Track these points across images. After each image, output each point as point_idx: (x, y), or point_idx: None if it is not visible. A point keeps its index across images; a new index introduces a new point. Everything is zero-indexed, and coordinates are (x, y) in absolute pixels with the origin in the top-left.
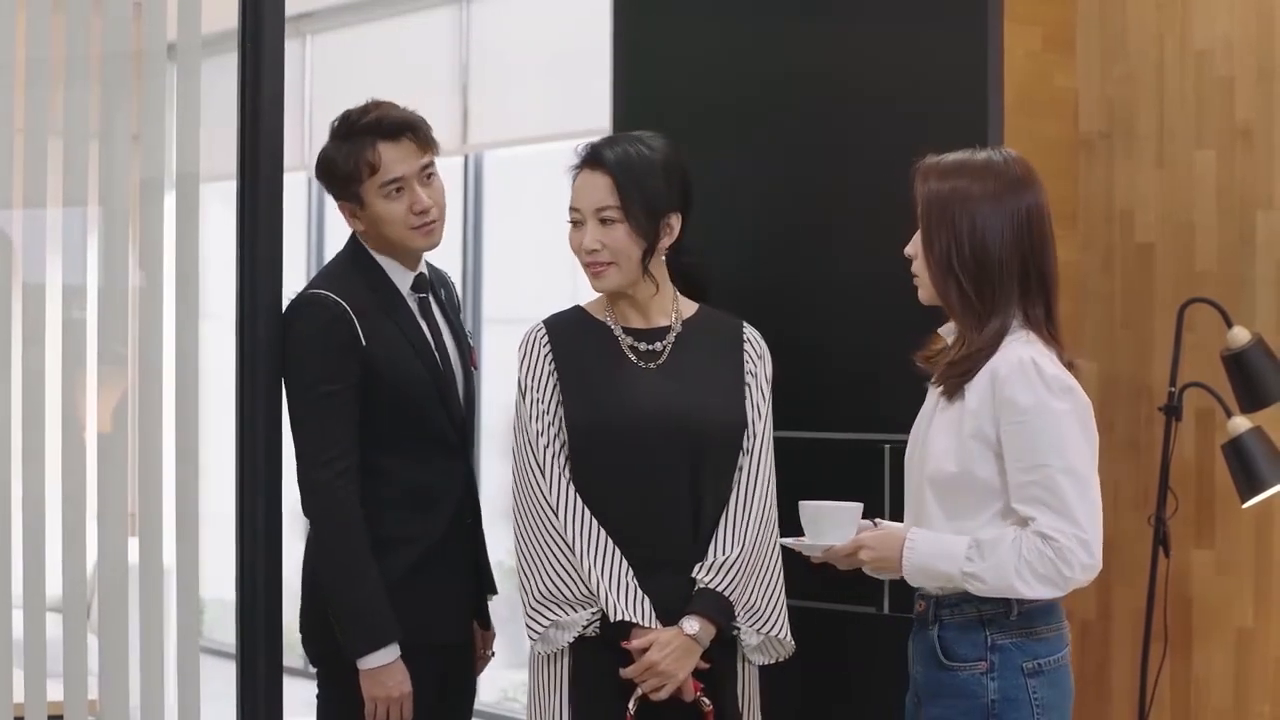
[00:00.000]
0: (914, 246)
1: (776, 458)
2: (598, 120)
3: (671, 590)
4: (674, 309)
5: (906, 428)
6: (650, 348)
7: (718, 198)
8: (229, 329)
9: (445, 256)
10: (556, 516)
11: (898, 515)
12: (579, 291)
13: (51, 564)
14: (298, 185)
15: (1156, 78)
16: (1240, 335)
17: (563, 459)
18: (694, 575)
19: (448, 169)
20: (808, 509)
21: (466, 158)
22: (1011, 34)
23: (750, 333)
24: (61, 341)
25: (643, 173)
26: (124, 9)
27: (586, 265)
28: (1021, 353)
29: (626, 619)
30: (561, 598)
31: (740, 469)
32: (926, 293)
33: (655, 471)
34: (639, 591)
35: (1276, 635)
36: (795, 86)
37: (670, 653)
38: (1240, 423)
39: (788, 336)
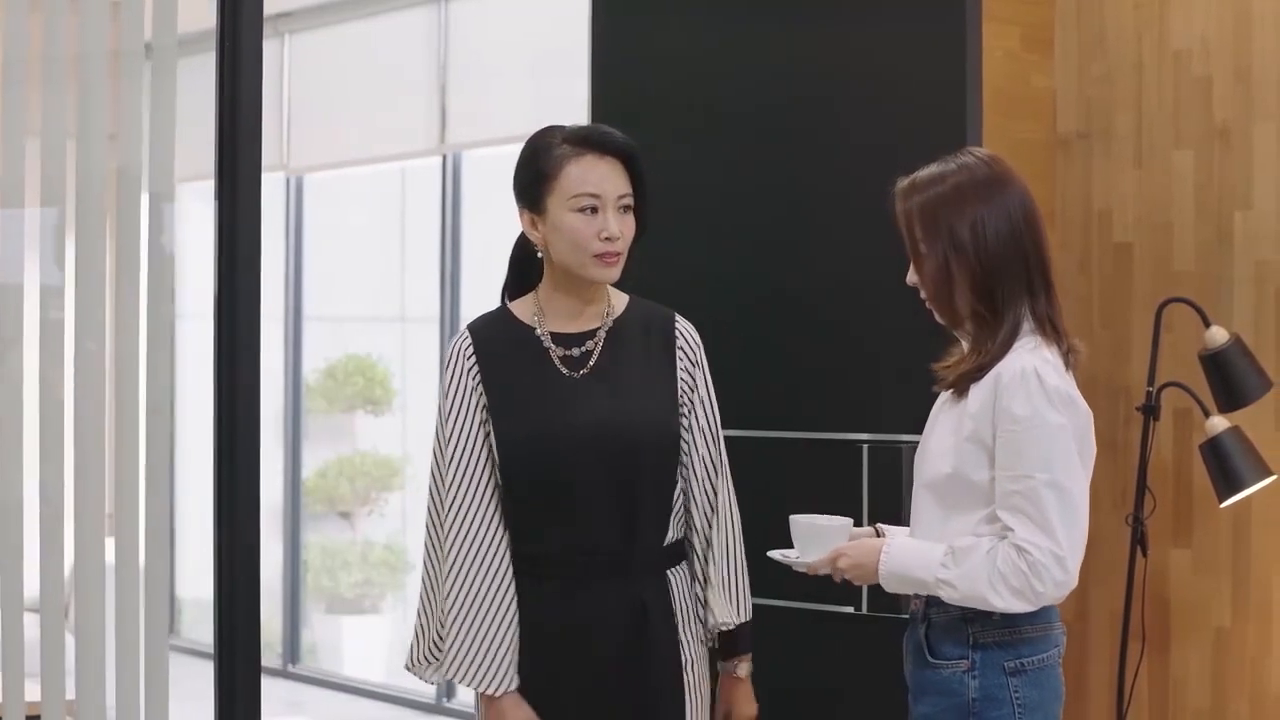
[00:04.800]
0: (913, 275)
1: (756, 458)
2: (575, 120)
3: (603, 598)
4: (608, 307)
5: (885, 427)
6: (580, 351)
7: (695, 197)
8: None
9: (423, 256)
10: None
11: (876, 514)
12: None
13: (29, 564)
14: (276, 185)
15: (1134, 78)
16: (1218, 335)
17: (490, 487)
18: (722, 620)
19: (425, 169)
20: (799, 525)
21: (444, 157)
22: (990, 34)
23: (682, 326)
24: (39, 342)
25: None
26: (101, 8)
27: (600, 255)
28: (1026, 361)
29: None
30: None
31: (716, 491)
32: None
33: (588, 486)
34: (507, 664)
35: (1254, 635)
36: (773, 86)
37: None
38: (1218, 422)
39: (766, 336)
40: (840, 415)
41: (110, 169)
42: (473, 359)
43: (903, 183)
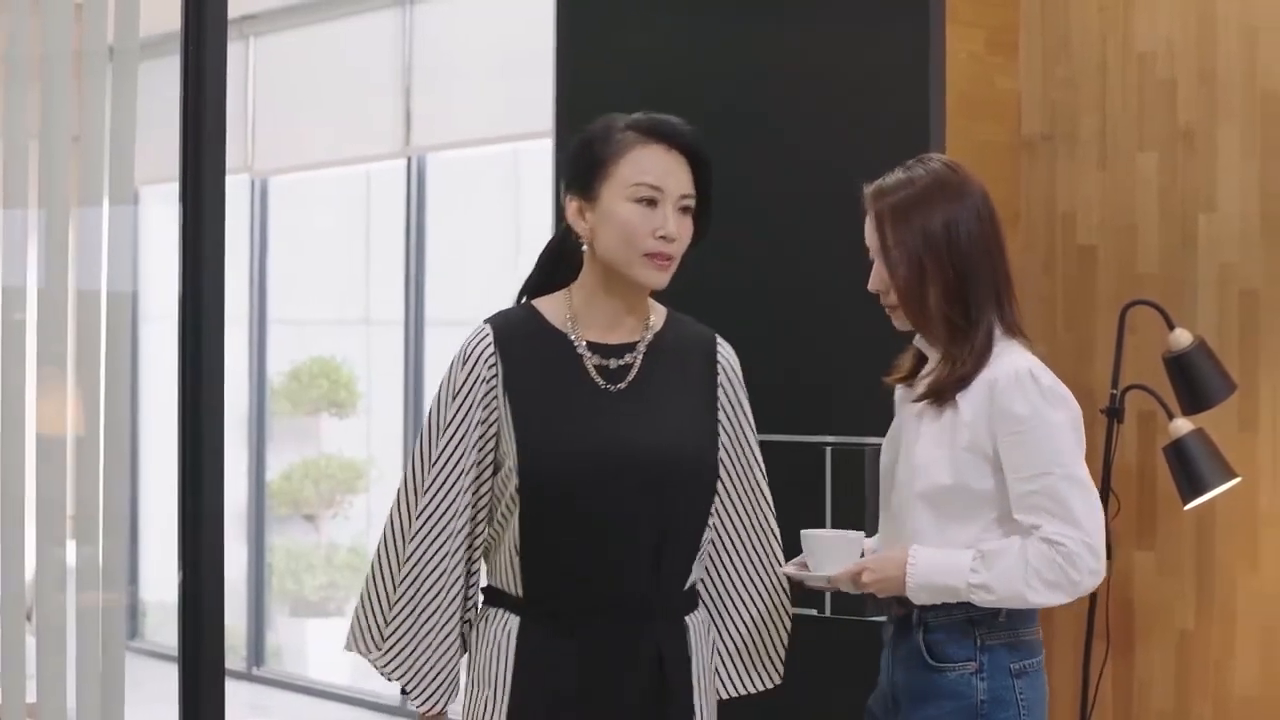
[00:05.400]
0: (879, 280)
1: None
2: (541, 123)
3: (618, 645)
4: (648, 318)
5: (849, 430)
6: (618, 364)
7: None
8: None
9: (387, 259)
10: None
11: (839, 516)
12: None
13: None
14: (240, 187)
15: (1099, 80)
16: (1182, 337)
17: (465, 507)
18: (751, 689)
19: (390, 171)
20: (811, 539)
21: (409, 160)
22: (954, 36)
23: (724, 350)
24: (0, 344)
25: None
26: (65, 10)
27: (652, 254)
28: (1019, 364)
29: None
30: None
31: (771, 531)
32: (904, 319)
33: (618, 513)
34: (445, 682)
35: (1217, 637)
36: (737, 88)
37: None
38: (1182, 425)
39: (729, 338)
40: (803, 418)
41: (74, 171)
42: (494, 361)
43: (870, 187)
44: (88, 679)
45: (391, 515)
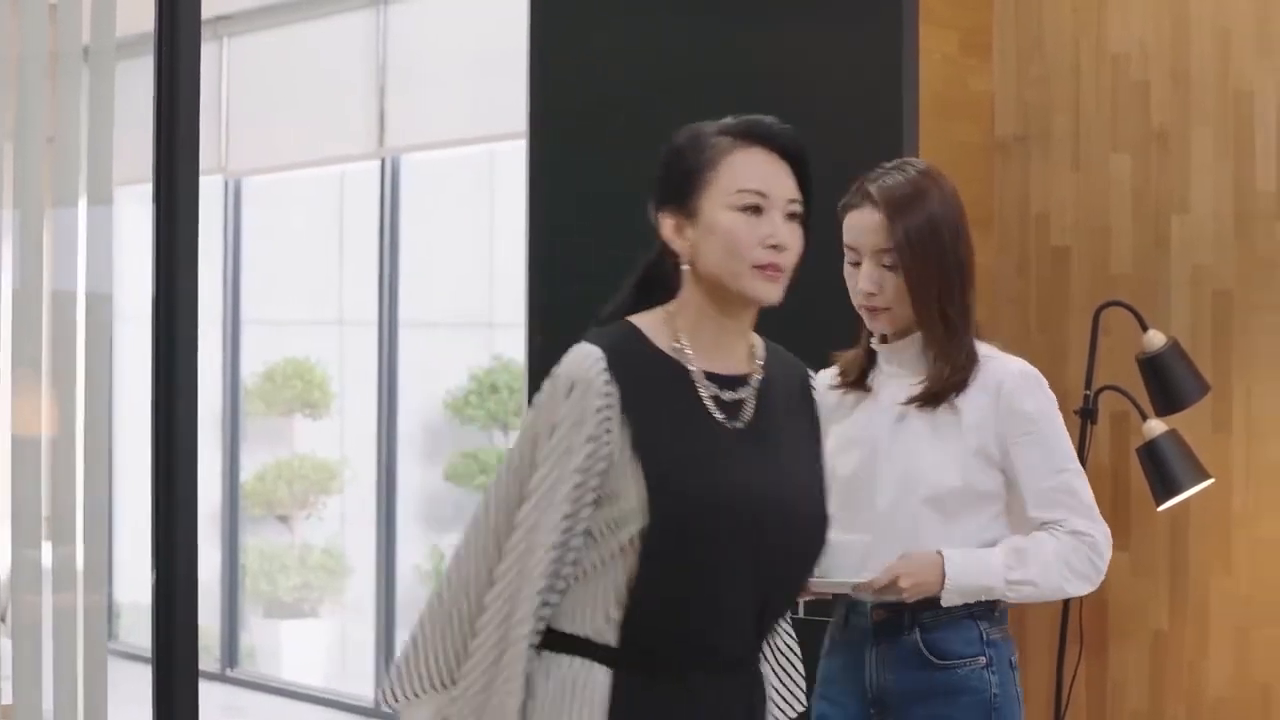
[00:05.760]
0: (871, 280)
1: None
2: (515, 124)
3: (727, 689)
4: (753, 347)
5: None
6: (732, 397)
7: (632, 200)
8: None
9: (361, 260)
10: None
11: None
12: (495, 296)
13: None
14: (214, 188)
15: (1072, 81)
16: (1155, 339)
17: (551, 560)
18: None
19: (364, 172)
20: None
21: (383, 161)
22: (928, 37)
23: (816, 384)
24: None
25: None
26: (39, 10)
27: (762, 266)
28: (1020, 365)
29: None
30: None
31: None
32: (894, 319)
33: (743, 565)
34: None
35: (1191, 638)
36: (711, 88)
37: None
38: (1155, 426)
39: None
40: None
41: (49, 171)
42: (610, 390)
43: (871, 186)
44: (64, 680)
45: (466, 557)
